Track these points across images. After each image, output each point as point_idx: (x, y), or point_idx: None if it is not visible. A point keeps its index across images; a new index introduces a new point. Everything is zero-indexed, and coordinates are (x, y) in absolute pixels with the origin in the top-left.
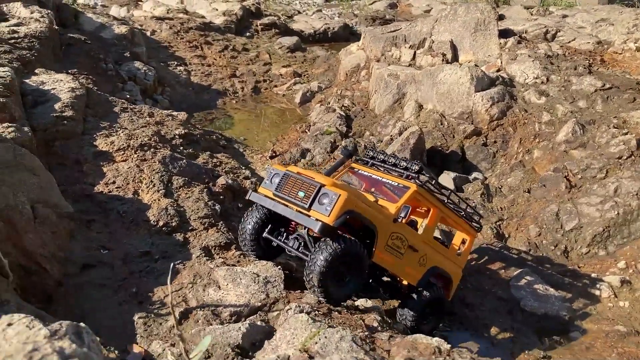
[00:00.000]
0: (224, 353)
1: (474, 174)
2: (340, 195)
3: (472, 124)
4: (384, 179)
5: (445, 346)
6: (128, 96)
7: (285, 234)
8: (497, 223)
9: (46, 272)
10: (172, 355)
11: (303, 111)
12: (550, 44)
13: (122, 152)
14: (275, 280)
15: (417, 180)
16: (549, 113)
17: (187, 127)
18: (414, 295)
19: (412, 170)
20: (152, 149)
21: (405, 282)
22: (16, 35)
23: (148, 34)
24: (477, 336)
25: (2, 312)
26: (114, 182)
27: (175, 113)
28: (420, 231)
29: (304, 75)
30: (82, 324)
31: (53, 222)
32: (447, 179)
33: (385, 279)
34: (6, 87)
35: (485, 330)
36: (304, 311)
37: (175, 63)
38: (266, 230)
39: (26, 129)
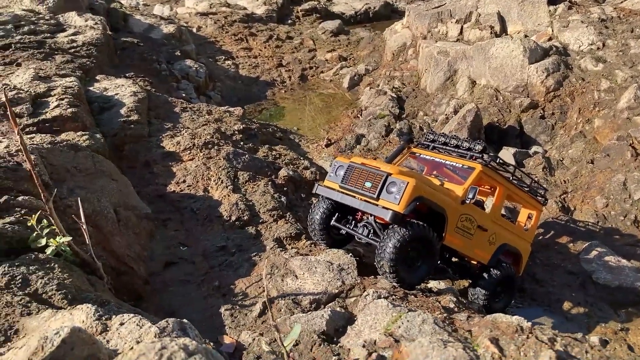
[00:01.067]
0: (310, 340)
1: (534, 148)
2: (408, 182)
3: (528, 97)
4: (447, 162)
5: (527, 324)
6: (184, 95)
7: (353, 221)
8: (562, 196)
9: (134, 271)
10: (266, 344)
11: (352, 95)
12: (602, 6)
13: (188, 151)
14: (348, 267)
15: (481, 160)
16: (608, 80)
17: (244, 122)
18: (485, 275)
19: (476, 150)
20: (215, 147)
21: (475, 262)
22: (75, 44)
23: (194, 30)
24: (550, 311)
25: (106, 311)
26: (184, 181)
27: (232, 109)
28: (486, 210)
29: (350, 59)
30: (185, 320)
31: (134, 223)
32: (506, 154)
33: (454, 259)
34: (75, 97)
35: (558, 305)
36: (382, 296)
37: (223, 57)
38: (334, 219)
39: (98, 135)
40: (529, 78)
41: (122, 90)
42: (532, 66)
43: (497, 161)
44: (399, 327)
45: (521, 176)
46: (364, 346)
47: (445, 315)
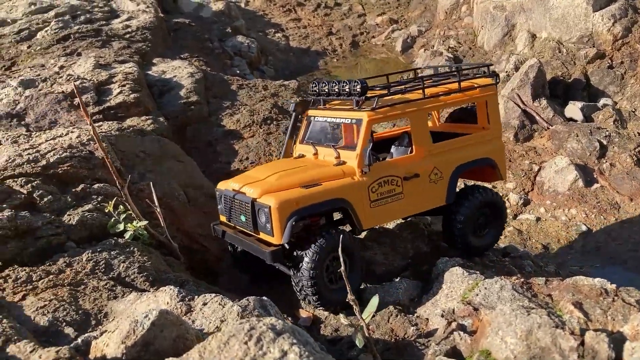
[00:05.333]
0: (387, 311)
1: (603, 100)
2: (270, 206)
3: (593, 47)
4: (338, 119)
5: (611, 286)
6: (238, 71)
7: None
8: (636, 149)
9: (207, 249)
10: (344, 317)
11: (406, 58)
12: None
13: (249, 128)
14: (419, 237)
15: (366, 105)
16: None
17: (300, 95)
18: (452, 213)
19: (356, 92)
20: (274, 122)
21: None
22: (129, 29)
23: (242, 5)
24: (629, 270)
25: (185, 290)
26: (247, 158)
27: (287, 82)
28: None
29: (401, 21)
30: (265, 298)
31: (203, 202)
32: (573, 109)
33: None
34: (136, 82)
35: (637, 262)
36: (457, 264)
37: (273, 30)
38: None
39: (161, 119)
40: (594, 27)
41: (179, 72)
42: (596, 14)
43: (390, 90)
44: (477, 294)
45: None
46: (442, 315)
47: (522, 280)
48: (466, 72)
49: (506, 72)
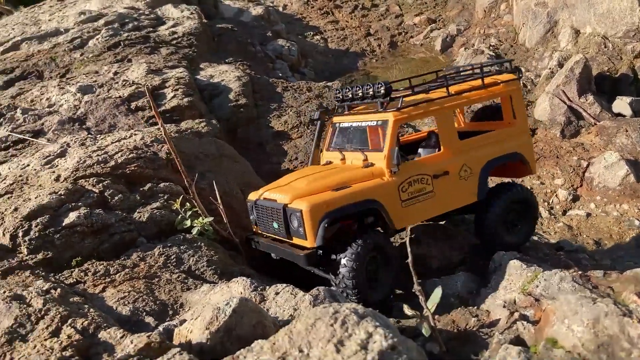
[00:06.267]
0: (448, 302)
1: None
2: (301, 210)
3: None
4: (364, 122)
5: None
6: (280, 74)
7: None
8: None
9: None
10: (408, 308)
11: (446, 58)
12: None
13: (296, 129)
14: (470, 232)
15: (391, 106)
16: None
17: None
18: (484, 211)
19: (380, 95)
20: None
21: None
22: (176, 35)
23: (280, 9)
24: None
25: (251, 282)
26: (296, 158)
27: (330, 84)
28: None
29: (439, 20)
30: (333, 288)
31: None
32: (622, 104)
33: None
34: (188, 86)
35: None
36: (515, 257)
37: (312, 33)
38: None
39: (214, 121)
40: None
41: (227, 75)
42: None
43: (414, 90)
44: (537, 286)
45: (456, 76)
46: (504, 306)
47: (580, 272)
48: (488, 69)
49: (549, 69)
